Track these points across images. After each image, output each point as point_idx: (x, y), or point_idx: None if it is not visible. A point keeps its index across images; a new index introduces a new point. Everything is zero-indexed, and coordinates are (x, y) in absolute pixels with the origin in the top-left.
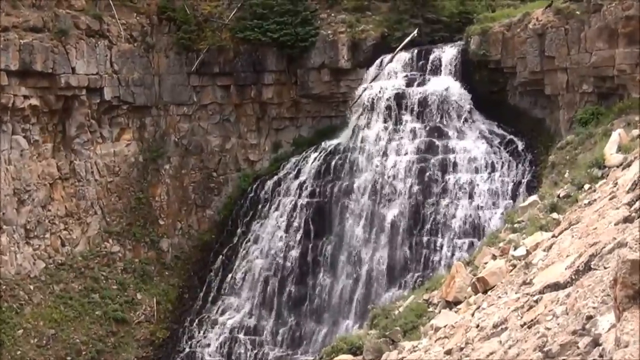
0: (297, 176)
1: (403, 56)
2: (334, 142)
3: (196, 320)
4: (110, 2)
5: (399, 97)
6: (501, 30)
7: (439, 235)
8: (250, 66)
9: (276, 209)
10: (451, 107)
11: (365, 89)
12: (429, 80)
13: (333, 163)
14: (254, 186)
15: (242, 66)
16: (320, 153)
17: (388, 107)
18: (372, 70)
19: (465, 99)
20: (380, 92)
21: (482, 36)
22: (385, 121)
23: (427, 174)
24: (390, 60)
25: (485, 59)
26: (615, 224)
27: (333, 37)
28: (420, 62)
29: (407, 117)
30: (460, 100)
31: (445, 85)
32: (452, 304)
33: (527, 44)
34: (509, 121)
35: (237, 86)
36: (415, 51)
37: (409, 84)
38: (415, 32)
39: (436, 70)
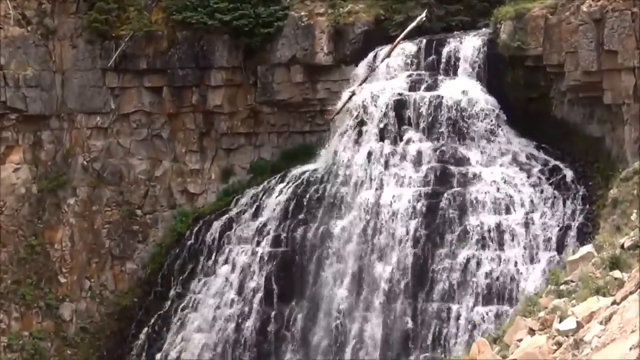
0: (255, 216)
1: (406, 49)
2: (308, 167)
3: None
4: None
5: (400, 106)
6: (543, 14)
7: (454, 301)
8: (192, 60)
9: (225, 262)
10: (472, 121)
11: (352, 94)
12: (441, 82)
13: (306, 198)
14: (195, 229)
15: (180, 60)
16: (288, 183)
17: (384, 120)
18: (363, 67)
19: (492, 109)
20: (373, 98)
21: (516, 22)
22: (380, 139)
23: (439, 214)
24: (388, 55)
25: (520, 54)
26: None
27: (308, 20)
28: (430, 58)
29: (410, 133)
30: (485, 111)
31: (463, 89)
32: None
33: (579, 34)
34: (553, 141)
35: (172, 88)
36: (424, 42)
37: (414, 87)
38: (424, 14)
39: (452, 69)
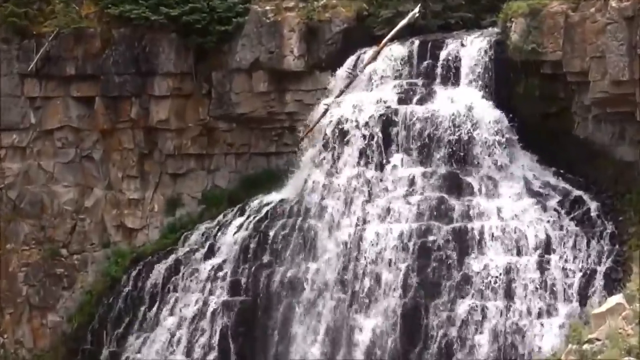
0: (208, 257)
1: (395, 52)
2: (273, 198)
3: None
4: None
5: (387, 122)
6: (563, 11)
7: None
8: (131, 65)
9: (171, 314)
10: (476, 140)
11: (328, 108)
12: (438, 93)
13: (271, 235)
14: (133, 273)
15: (116, 65)
16: (249, 217)
17: (368, 140)
18: (342, 74)
19: (500, 126)
20: (354, 112)
21: (530, 19)
22: (362, 163)
23: (434, 255)
24: (373, 59)
25: (535, 59)
26: None
27: (274, 17)
28: (425, 63)
29: (399, 156)
30: (492, 129)
31: (465, 101)
32: None
33: (607, 35)
34: (575, 166)
35: (106, 99)
36: (417, 43)
37: (405, 99)
38: (417, 9)
39: (451, 77)
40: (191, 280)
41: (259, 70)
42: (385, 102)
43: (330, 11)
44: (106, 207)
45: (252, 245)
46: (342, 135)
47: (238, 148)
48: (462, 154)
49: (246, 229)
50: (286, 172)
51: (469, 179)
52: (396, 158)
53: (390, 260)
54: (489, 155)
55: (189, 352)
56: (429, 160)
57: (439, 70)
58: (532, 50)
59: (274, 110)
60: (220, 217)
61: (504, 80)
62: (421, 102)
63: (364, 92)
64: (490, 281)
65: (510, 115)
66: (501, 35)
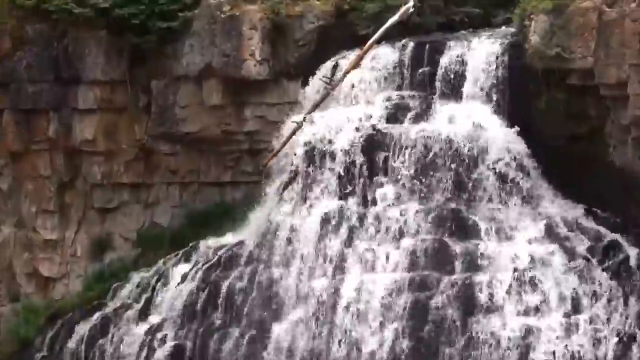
0: (145, 314)
1: (383, 57)
2: (228, 240)
3: None
4: None
5: (373, 146)
6: (596, 7)
7: None
8: (49, 70)
9: None
10: (485, 169)
11: (299, 127)
12: (437, 109)
13: (224, 288)
14: (49, 334)
15: (30, 70)
16: (196, 265)
17: (348, 167)
18: (316, 85)
19: (516, 150)
20: (331, 133)
21: (554, 17)
22: (341, 196)
23: (432, 314)
24: (356, 65)
25: (560, 67)
26: None
27: (232, 10)
28: (421, 71)
29: (387, 188)
30: (505, 154)
31: (472, 119)
32: None
33: None
34: (609, 202)
35: (17, 113)
36: (411, 46)
37: (395, 116)
38: (411, 3)
39: (454, 88)
40: (122, 345)
41: (211, 78)
42: (370, 120)
43: (302, 4)
44: (15, 249)
45: (200, 301)
46: (315, 162)
47: (184, 176)
48: (466, 185)
49: (193, 280)
50: (245, 207)
51: (476, 218)
52: (384, 191)
53: (374, 320)
54: (501, 188)
55: None
56: (426, 194)
57: (438, 80)
58: (557, 56)
59: (230, 128)
60: (160, 263)
61: (521, 93)
62: (416, 120)
63: (343, 107)
64: (501, 348)
65: (528, 138)
66: (517, 37)
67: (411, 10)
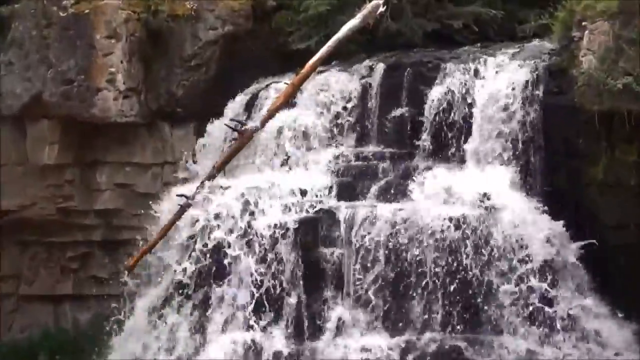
0: None
1: (334, 87)
2: None
3: None
4: None
5: (315, 240)
6: None
7: None
8: None
9: None
10: (501, 277)
11: (189, 204)
12: (422, 176)
13: None
14: None
15: None
16: None
17: (273, 275)
18: (217, 134)
19: (554, 245)
20: (246, 215)
21: (621, 24)
22: (258, 323)
23: None
24: (286, 102)
25: (631, 108)
26: None
27: (78, 6)
28: (395, 113)
29: (341, 311)
30: (535, 252)
31: (482, 197)
32: None
33: None
34: None
35: None
36: (380, 70)
37: (352, 189)
38: None
39: (452, 142)
40: None
41: (41, 119)
42: (310, 193)
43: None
44: None
45: None
46: (217, 264)
47: None
48: (471, 311)
49: None
50: (96, 337)
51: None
52: (334, 315)
53: None
54: (527, 310)
55: None
56: (404, 323)
57: (425, 129)
58: (626, 90)
59: (72, 205)
60: None
61: (564, 152)
62: (386, 195)
63: (267, 170)
64: None
65: (575, 225)
66: (559, 57)
67: (381, 9)
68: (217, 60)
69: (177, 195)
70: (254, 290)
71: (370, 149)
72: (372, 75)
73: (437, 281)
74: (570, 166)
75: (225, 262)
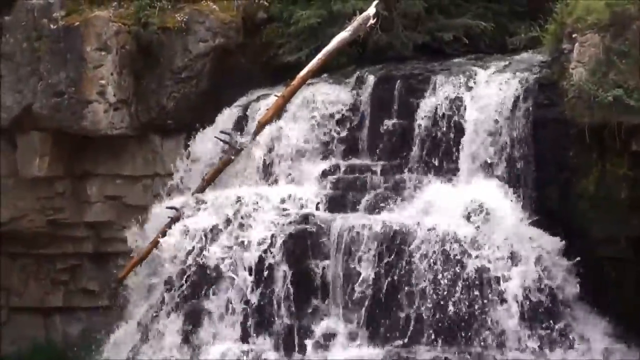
0: None
1: (325, 99)
2: None
3: None
4: None
5: (305, 252)
6: None
7: None
8: None
9: None
10: (493, 293)
11: (179, 216)
12: (413, 190)
13: None
14: None
15: None
16: None
17: (262, 288)
18: (207, 147)
19: (547, 263)
20: (235, 228)
21: (612, 36)
22: (248, 336)
23: None
24: (276, 115)
25: (622, 121)
26: None
27: (68, 18)
28: (387, 124)
29: (331, 323)
30: (526, 272)
31: (473, 210)
32: None
33: None
34: None
35: None
36: (371, 83)
37: (342, 200)
38: (371, 9)
39: (442, 154)
40: None
41: (30, 132)
42: (300, 205)
43: (189, 11)
44: None
45: None
46: (207, 277)
47: None
48: (465, 321)
49: None
50: (87, 350)
51: None
52: (323, 326)
53: None
54: (519, 323)
55: None
56: (392, 335)
57: (416, 141)
58: (617, 102)
59: (62, 218)
60: None
61: (555, 165)
62: (377, 208)
63: (256, 184)
64: None
65: (566, 238)
66: (549, 70)
67: (372, 22)
68: (207, 72)
69: (167, 208)
70: (243, 302)
71: (361, 161)
72: (362, 87)
73: (425, 294)
74: (560, 179)
75: (215, 274)
